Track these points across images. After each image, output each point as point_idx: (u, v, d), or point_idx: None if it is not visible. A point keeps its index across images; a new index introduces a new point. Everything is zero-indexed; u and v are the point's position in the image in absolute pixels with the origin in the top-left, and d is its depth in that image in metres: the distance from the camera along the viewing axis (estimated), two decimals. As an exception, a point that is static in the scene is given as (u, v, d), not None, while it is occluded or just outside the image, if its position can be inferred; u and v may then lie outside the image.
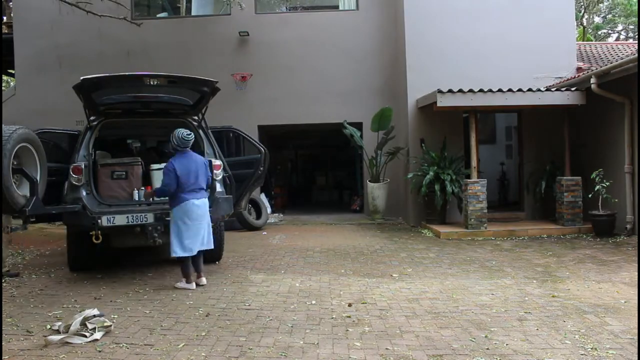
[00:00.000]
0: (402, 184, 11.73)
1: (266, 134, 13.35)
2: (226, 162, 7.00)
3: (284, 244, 8.81)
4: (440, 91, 9.37)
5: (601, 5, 27.13)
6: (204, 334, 4.29)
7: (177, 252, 5.73)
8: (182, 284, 5.85)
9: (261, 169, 7.59)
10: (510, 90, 9.36)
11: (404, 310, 4.90)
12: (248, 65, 12.43)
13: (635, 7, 24.61)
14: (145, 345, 4.05)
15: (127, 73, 6.49)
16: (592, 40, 24.12)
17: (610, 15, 27.78)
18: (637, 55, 7.70)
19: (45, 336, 4.10)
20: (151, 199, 6.44)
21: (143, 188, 6.66)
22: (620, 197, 8.83)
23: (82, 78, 5.94)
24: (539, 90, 9.59)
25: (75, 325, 4.19)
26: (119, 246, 6.77)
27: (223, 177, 6.79)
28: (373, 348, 3.95)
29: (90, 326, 4.22)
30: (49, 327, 4.45)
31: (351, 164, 15.59)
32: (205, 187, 5.96)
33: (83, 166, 6.27)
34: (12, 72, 14.37)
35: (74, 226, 6.30)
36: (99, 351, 3.91)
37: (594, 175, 8.89)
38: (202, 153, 6.86)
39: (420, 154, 10.79)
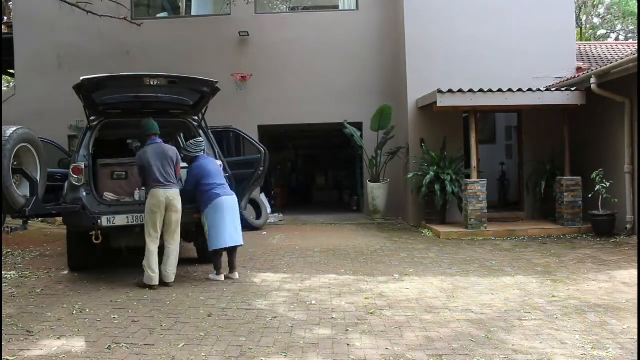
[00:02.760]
0: (402, 184, 11.72)
1: (266, 134, 13.35)
2: (226, 162, 7.00)
3: (284, 244, 8.81)
4: (440, 91, 9.37)
5: (599, 6, 27.07)
6: (204, 334, 4.29)
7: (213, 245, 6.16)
8: (214, 275, 6.26)
9: (261, 169, 7.58)
10: (510, 90, 9.35)
11: (404, 310, 4.90)
12: (248, 65, 12.42)
13: (633, 7, 24.58)
14: (145, 345, 4.05)
15: (127, 73, 6.49)
16: (590, 41, 24.08)
17: (609, 16, 27.75)
18: (637, 55, 7.70)
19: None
20: None
21: (143, 188, 6.65)
22: (620, 197, 8.82)
23: (82, 78, 5.93)
24: (539, 90, 9.59)
25: None
26: (119, 246, 6.76)
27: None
28: (373, 348, 3.95)
29: None
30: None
31: (351, 164, 15.59)
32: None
33: (83, 166, 6.27)
34: (12, 72, 14.37)
35: (74, 226, 6.30)
36: (99, 351, 3.92)
37: (594, 175, 8.89)
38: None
39: (420, 154, 10.79)
